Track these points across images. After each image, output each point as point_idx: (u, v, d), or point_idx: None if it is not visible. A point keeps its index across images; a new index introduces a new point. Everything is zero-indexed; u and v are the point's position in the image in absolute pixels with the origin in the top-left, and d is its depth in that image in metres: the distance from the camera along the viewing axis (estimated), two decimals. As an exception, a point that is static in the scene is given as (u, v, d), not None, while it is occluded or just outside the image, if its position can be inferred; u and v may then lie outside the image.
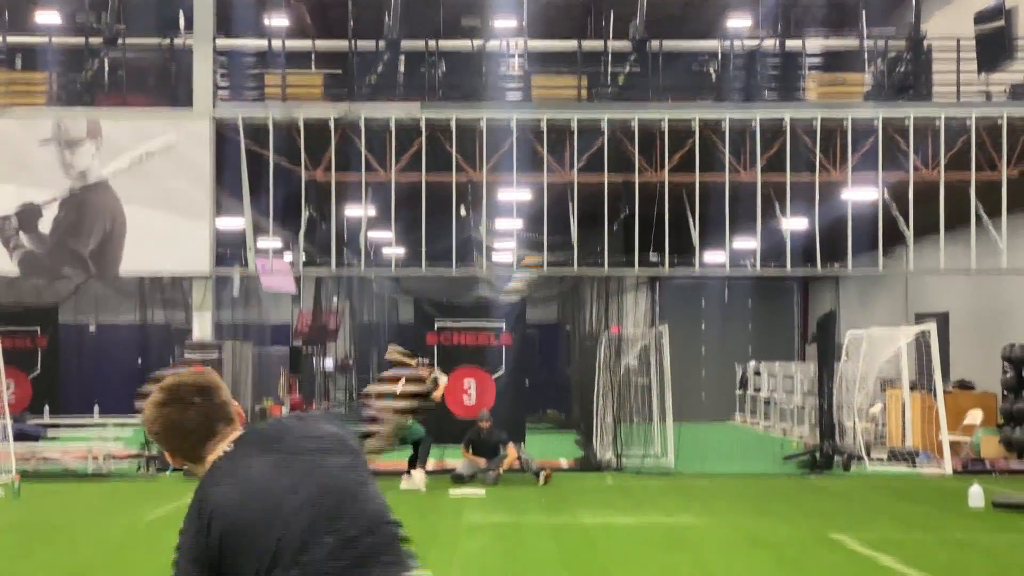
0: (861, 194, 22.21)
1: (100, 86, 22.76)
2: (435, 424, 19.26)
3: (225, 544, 3.47)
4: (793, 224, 22.24)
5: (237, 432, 3.72)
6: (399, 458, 17.57)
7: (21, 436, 20.05)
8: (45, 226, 20.80)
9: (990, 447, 21.25)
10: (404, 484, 17.18)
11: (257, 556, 3.45)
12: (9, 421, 18.49)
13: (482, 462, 18.30)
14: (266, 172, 21.15)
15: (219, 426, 3.70)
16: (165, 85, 23.03)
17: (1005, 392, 21.62)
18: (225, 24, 23.83)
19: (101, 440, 21.00)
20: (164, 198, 20.80)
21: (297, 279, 26.59)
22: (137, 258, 20.81)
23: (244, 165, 21.16)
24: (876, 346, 22.22)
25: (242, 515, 3.49)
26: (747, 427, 31.80)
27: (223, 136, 21.30)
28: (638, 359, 23.11)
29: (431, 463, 18.62)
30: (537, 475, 18.15)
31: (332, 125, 21.07)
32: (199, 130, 20.98)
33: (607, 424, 21.58)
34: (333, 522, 3.51)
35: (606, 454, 20.85)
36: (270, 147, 21.05)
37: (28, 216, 20.77)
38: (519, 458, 18.65)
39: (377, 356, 30.16)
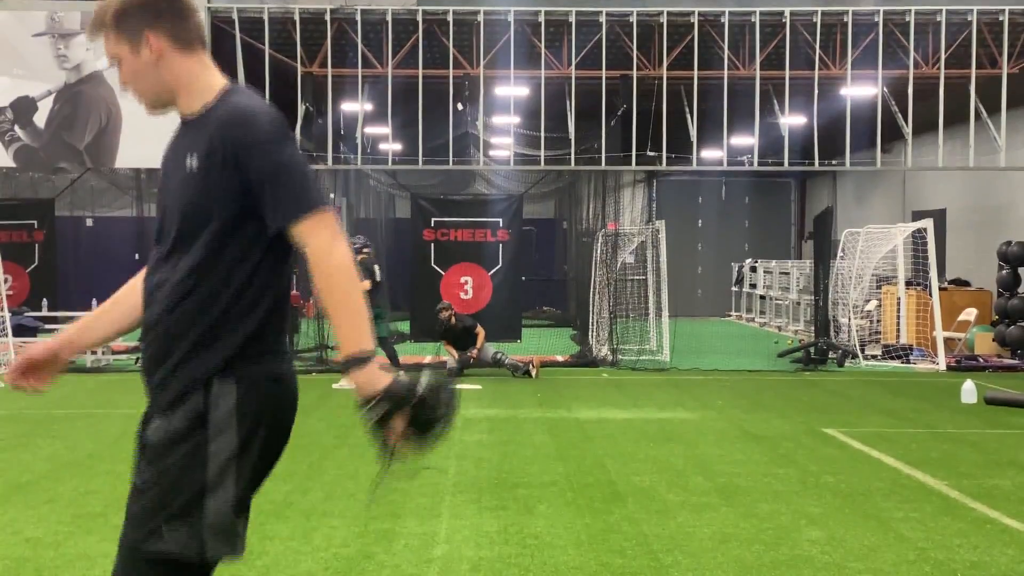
0: (860, 90, 22.09)
1: (93, -23, 22.49)
2: (430, 320, 19.39)
3: None
4: (791, 121, 22.15)
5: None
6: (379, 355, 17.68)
7: (20, 329, 20.17)
8: (40, 119, 20.70)
9: (984, 344, 21.40)
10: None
11: None
12: (7, 314, 18.59)
13: (456, 353, 18.47)
14: (262, 66, 20.97)
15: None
16: (159, -24, 22.70)
17: (1000, 289, 21.73)
18: (219, -86, 23.45)
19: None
20: (159, 91, 20.64)
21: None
22: (133, 151, 20.72)
23: (240, 59, 20.98)
24: (872, 243, 22.29)
25: None
26: (743, 324, 31.97)
27: (218, 29, 21.07)
28: (635, 255, 23.17)
29: (428, 358, 18.88)
30: (528, 373, 18.18)
31: (328, 18, 20.87)
32: (194, 22, 20.77)
33: (603, 320, 21.69)
34: None
35: (602, 350, 20.97)
36: (266, 41, 20.87)
37: (23, 109, 20.67)
38: (496, 357, 18.63)
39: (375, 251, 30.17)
